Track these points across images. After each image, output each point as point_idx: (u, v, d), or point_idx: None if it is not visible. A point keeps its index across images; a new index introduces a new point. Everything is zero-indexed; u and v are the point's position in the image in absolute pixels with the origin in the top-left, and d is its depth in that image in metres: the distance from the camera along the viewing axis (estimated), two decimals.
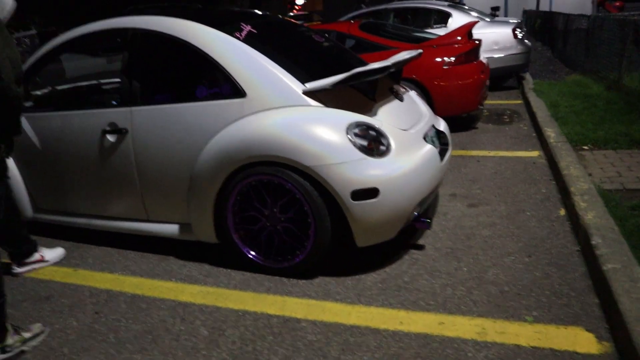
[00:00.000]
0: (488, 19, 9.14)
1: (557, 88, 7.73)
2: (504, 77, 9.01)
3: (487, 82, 6.51)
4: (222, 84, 3.10)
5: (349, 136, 2.81)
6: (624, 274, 2.53)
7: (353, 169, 2.74)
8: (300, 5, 40.88)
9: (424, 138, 3.24)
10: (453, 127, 6.14)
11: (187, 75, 3.45)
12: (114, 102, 3.47)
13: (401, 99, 3.50)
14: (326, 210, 2.81)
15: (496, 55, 8.19)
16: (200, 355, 2.44)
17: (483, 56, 6.79)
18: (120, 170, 3.40)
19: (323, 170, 2.74)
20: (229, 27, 3.25)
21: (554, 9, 22.49)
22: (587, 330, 2.37)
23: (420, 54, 3.74)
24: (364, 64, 3.64)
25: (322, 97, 2.98)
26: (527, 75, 9.20)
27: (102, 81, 4.66)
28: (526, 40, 8.85)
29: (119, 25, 3.46)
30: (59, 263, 3.56)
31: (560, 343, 2.30)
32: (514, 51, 8.30)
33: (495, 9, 17.01)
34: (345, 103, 3.03)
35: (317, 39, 3.81)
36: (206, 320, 2.72)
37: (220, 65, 3.06)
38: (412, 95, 3.84)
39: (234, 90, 3.03)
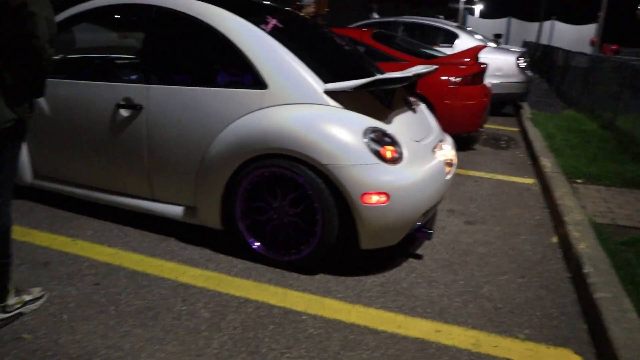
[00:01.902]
0: (494, 45, 9.32)
1: (554, 121, 7.91)
2: (503, 103, 9.18)
3: (489, 106, 6.66)
4: (244, 73, 3.15)
5: (365, 140, 2.89)
6: (614, 304, 2.64)
7: (366, 172, 2.81)
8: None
9: (433, 151, 3.33)
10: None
11: (210, 60, 3.49)
12: (132, 77, 3.49)
13: (414, 111, 3.59)
14: (336, 209, 2.88)
15: (498, 81, 8.35)
16: (201, 336, 2.48)
17: (486, 80, 6.94)
18: (129, 145, 3.42)
19: (337, 170, 2.81)
20: (256, 17, 3.30)
21: (553, 43, 22.97)
22: (576, 353, 2.47)
23: (436, 69, 3.83)
24: (381, 71, 3.73)
25: (342, 98, 3.05)
26: (525, 105, 9.39)
27: (121, 55, 4.66)
28: (528, 71, 9.04)
29: (145, 1, 3.48)
30: (57, 231, 3.57)
31: None
32: (515, 79, 8.48)
33: (498, 36, 17.30)
34: (363, 107, 3.10)
35: (339, 42, 3.88)
36: (208, 304, 2.76)
37: (245, 55, 3.11)
38: (423, 108, 3.93)
39: (255, 80, 3.08)
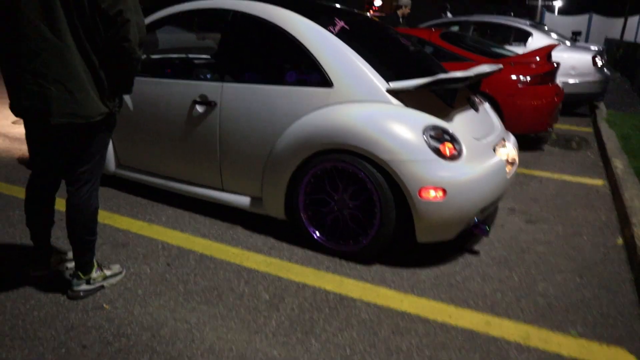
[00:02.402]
0: (568, 43, 9.04)
1: (631, 121, 7.61)
2: (578, 103, 8.90)
3: (560, 106, 6.51)
4: (311, 73, 3.31)
5: (424, 137, 2.98)
6: None
7: (425, 167, 2.91)
8: (377, 6, 40.96)
9: (494, 149, 3.37)
10: (520, 146, 6.19)
11: (279, 60, 3.68)
12: (207, 76, 3.74)
13: (476, 110, 3.63)
14: (394, 203, 2.99)
15: (572, 81, 8.12)
16: (261, 315, 2.67)
17: (559, 80, 6.78)
18: (203, 139, 3.67)
19: (396, 165, 2.92)
20: (324, 20, 3.46)
21: (639, 41, 21.79)
22: (630, 352, 2.46)
23: (500, 69, 3.84)
24: (445, 71, 3.79)
25: (404, 97, 3.16)
26: (601, 105, 9.06)
27: (198, 55, 4.97)
28: (605, 69, 8.72)
29: (223, 6, 3.72)
30: (135, 216, 3.87)
31: (601, 359, 2.40)
32: (591, 78, 8.20)
33: (576, 33, 16.66)
34: (424, 105, 3.19)
35: (403, 42, 3.97)
36: (268, 287, 2.95)
37: (313, 55, 3.28)
38: (486, 107, 3.96)
39: (322, 79, 3.24)
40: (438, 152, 2.96)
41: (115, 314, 2.66)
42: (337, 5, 4.12)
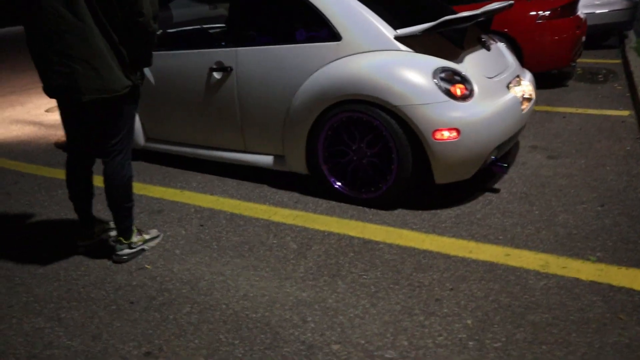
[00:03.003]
0: None
1: None
2: (606, 34, 8.65)
3: (583, 39, 6.37)
4: (320, 29, 3.37)
5: (435, 80, 3.03)
6: None
7: (437, 110, 2.97)
8: None
9: (507, 87, 3.39)
10: (542, 83, 6.15)
11: (288, 20, 3.74)
12: (221, 43, 3.84)
13: (488, 49, 3.64)
14: (409, 147, 3.07)
15: (597, 11, 7.89)
16: (290, 263, 2.82)
17: (581, 11, 6.62)
18: (223, 105, 3.80)
19: (409, 110, 2.99)
20: None
21: None
22: None
23: (510, 5, 3.82)
24: (454, 13, 3.79)
25: (412, 42, 3.20)
26: (631, 34, 8.78)
27: (211, 25, 5.06)
28: None
29: None
30: (167, 185, 4.06)
31: (619, 280, 2.47)
32: (617, 7, 7.95)
33: None
34: (434, 49, 3.22)
35: None
36: (295, 237, 3.10)
37: (319, 11, 3.33)
38: (500, 46, 3.95)
39: (330, 34, 3.30)
40: (449, 94, 3.02)
41: (157, 273, 2.86)
42: None
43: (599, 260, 2.65)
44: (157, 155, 4.58)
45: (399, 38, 3.19)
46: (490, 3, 5.14)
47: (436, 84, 3.02)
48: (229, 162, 4.00)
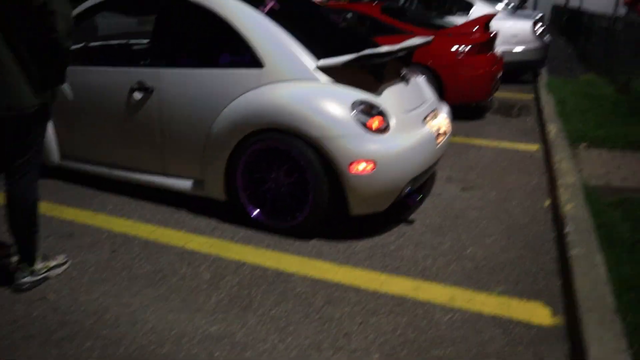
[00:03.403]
0: (510, 11, 9.25)
1: (570, 86, 7.90)
2: (521, 70, 9.14)
3: (500, 74, 6.72)
4: (243, 54, 3.37)
5: (352, 113, 3.09)
6: (586, 259, 2.82)
7: (353, 143, 3.03)
8: None
9: (423, 121, 3.51)
10: (462, 115, 6.40)
11: (213, 43, 3.70)
12: (144, 62, 3.76)
13: (407, 82, 3.75)
14: (326, 178, 3.11)
15: (514, 49, 8.34)
16: (201, 294, 2.77)
17: (499, 48, 6.99)
18: (144, 126, 3.71)
19: (326, 142, 3.03)
20: (254, 0, 3.51)
21: (584, 7, 22.33)
22: (546, 305, 2.67)
23: (430, 41, 3.97)
24: (376, 46, 3.90)
25: (333, 73, 3.26)
26: (544, 71, 9.34)
27: (134, 41, 4.94)
28: (546, 36, 8.97)
29: None
30: (81, 206, 3.90)
31: (519, 314, 2.59)
32: (531, 46, 8.44)
33: (523, 1, 16.93)
34: (354, 81, 3.29)
35: (334, 20, 4.06)
36: (209, 267, 3.05)
37: (244, 36, 3.34)
38: (419, 80, 4.08)
39: (253, 60, 3.31)
40: (366, 127, 3.09)
41: (60, 303, 2.72)
42: None
43: (502, 292, 2.77)
44: (73, 174, 4.38)
45: (320, 68, 3.24)
46: (412, 38, 5.34)
47: (354, 116, 3.08)
48: (148, 185, 3.90)
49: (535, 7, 24.61)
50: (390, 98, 3.39)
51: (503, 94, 8.09)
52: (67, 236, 3.46)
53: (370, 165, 3.04)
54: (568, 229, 3.19)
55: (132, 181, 3.95)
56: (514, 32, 8.35)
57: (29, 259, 2.85)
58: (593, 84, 8.09)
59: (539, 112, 6.66)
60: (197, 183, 3.65)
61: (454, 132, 5.69)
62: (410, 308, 2.63)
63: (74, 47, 4.40)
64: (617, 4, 9.99)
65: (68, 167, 4.27)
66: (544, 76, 8.91)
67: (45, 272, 2.93)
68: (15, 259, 3.01)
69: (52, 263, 2.99)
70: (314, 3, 4.27)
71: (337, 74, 3.25)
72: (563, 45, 13.95)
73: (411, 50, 3.65)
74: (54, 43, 2.49)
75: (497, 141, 5.54)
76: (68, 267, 3.06)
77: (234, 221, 3.58)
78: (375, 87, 3.37)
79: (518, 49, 8.37)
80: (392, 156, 3.10)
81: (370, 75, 3.39)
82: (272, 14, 3.44)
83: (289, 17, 3.58)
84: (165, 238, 3.41)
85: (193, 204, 3.84)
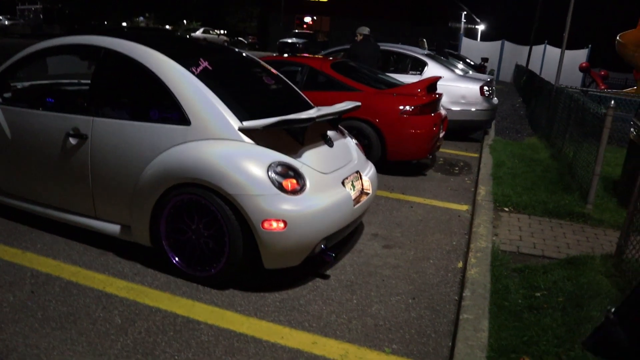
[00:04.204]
0: (460, 73, 9.74)
1: (511, 148, 8.31)
2: (470, 129, 9.58)
3: (442, 134, 7.07)
4: (172, 111, 3.59)
5: (269, 173, 3.31)
6: (471, 324, 3.04)
7: (267, 201, 3.23)
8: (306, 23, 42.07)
9: (342, 182, 3.75)
10: (403, 172, 6.69)
11: (146, 98, 3.91)
12: (80, 110, 3.93)
13: (330, 145, 4.00)
14: (240, 233, 3.30)
15: (461, 109, 8.78)
16: (109, 338, 2.90)
17: (444, 108, 7.37)
18: (77, 169, 3.86)
19: (241, 199, 3.23)
20: (188, 60, 3.75)
21: (544, 69, 23.41)
22: None
23: (357, 106, 4.25)
24: (307, 107, 4.16)
25: (255, 135, 3.48)
26: (491, 131, 9.79)
27: (72, 89, 5.12)
28: (494, 99, 9.46)
29: (96, 42, 3.95)
30: (10, 244, 4.00)
31: None
32: (479, 107, 8.90)
33: (484, 60, 17.71)
34: (275, 143, 3.52)
35: (267, 81, 4.32)
36: (123, 311, 3.17)
37: (174, 95, 3.56)
38: (347, 141, 4.34)
39: (181, 118, 3.52)
40: (281, 187, 3.30)
41: None
42: (210, 43, 4.43)
43: (393, 352, 2.96)
44: (7, 210, 4.48)
45: (243, 130, 3.46)
46: (362, 94, 5.67)
47: (270, 176, 3.30)
48: (78, 226, 4.02)
49: (499, 65, 25.71)
50: (309, 160, 3.62)
51: (450, 151, 8.47)
52: None
53: (282, 224, 3.24)
54: (465, 293, 3.42)
55: (64, 221, 4.07)
56: (462, 94, 8.80)
57: None
58: (534, 147, 8.53)
59: (478, 172, 7.00)
60: (125, 228, 3.79)
61: (391, 188, 5.99)
62: None
63: (19, 86, 4.58)
64: (559, 69, 10.56)
65: (2, 202, 4.38)
66: (490, 136, 9.35)
67: None
68: None
69: None
70: (253, 61, 4.54)
71: (259, 136, 3.48)
72: (518, 105, 14.59)
73: (335, 115, 3.91)
74: None
75: (430, 199, 5.82)
76: None
77: (157, 267, 3.73)
78: (295, 149, 3.61)
79: (465, 109, 8.81)
80: (304, 216, 3.31)
81: (291, 137, 3.63)
82: (205, 75, 3.68)
83: (221, 77, 3.83)
84: (87, 280, 3.53)
85: (120, 248, 3.97)
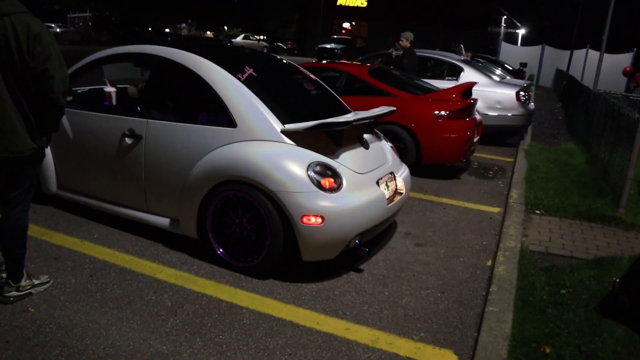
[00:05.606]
0: (497, 78, 9.82)
1: (546, 153, 8.37)
2: (506, 134, 9.65)
3: (477, 138, 7.21)
4: (220, 114, 3.88)
5: (309, 172, 3.57)
6: (496, 316, 3.22)
7: (306, 198, 3.49)
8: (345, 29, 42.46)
9: (377, 182, 3.97)
10: (437, 175, 6.87)
11: (196, 102, 4.23)
12: (136, 112, 4.28)
13: (366, 147, 4.23)
14: (281, 227, 3.56)
15: (497, 114, 8.88)
16: (160, 318, 3.20)
17: (480, 113, 7.50)
18: (131, 167, 4.21)
19: (283, 196, 3.49)
20: (235, 67, 4.05)
21: (586, 74, 23.02)
22: (455, 353, 3.06)
23: (392, 111, 4.47)
24: (344, 111, 4.41)
25: (296, 137, 3.75)
26: (528, 136, 9.84)
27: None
28: (531, 104, 9.51)
29: (150, 51, 4.31)
30: (70, 234, 4.37)
31: (427, 358, 2.99)
32: (515, 112, 8.98)
33: (523, 64, 17.61)
34: (314, 144, 3.78)
35: (307, 86, 4.59)
36: (172, 295, 3.48)
37: (221, 99, 3.86)
38: (382, 144, 4.57)
39: (228, 120, 3.82)
40: (319, 185, 3.55)
41: (38, 316, 3.16)
42: (255, 52, 4.73)
43: (420, 339, 3.17)
44: (67, 203, 4.87)
45: (285, 132, 3.73)
46: (399, 99, 5.89)
47: (309, 175, 3.55)
48: (130, 219, 4.37)
49: (539, 70, 25.38)
50: (346, 160, 3.87)
51: (485, 155, 8.58)
52: (53, 259, 3.91)
53: (320, 219, 3.49)
54: (492, 288, 3.60)
55: (119, 215, 4.43)
56: (498, 99, 8.90)
57: (15, 276, 3.31)
58: (570, 152, 8.56)
59: (513, 175, 7.11)
60: (174, 221, 4.11)
61: (425, 190, 6.18)
62: (336, 345, 3.04)
63: (79, 91, 4.98)
64: (597, 73, 10.51)
65: (63, 196, 4.77)
66: (526, 141, 9.40)
67: (30, 288, 3.38)
68: (4, 275, 3.48)
69: (36, 281, 3.44)
70: (294, 68, 4.82)
71: (300, 137, 3.74)
72: (557, 110, 14.50)
73: (371, 119, 4.15)
74: (51, 101, 3.03)
75: (463, 202, 5.98)
76: (50, 286, 3.51)
77: (202, 257, 4.03)
78: (333, 150, 3.86)
79: (501, 114, 8.90)
80: (340, 212, 3.55)
81: (330, 139, 3.88)
82: (250, 81, 3.97)
83: (265, 83, 4.11)
84: (139, 267, 3.85)
85: (169, 239, 4.30)
